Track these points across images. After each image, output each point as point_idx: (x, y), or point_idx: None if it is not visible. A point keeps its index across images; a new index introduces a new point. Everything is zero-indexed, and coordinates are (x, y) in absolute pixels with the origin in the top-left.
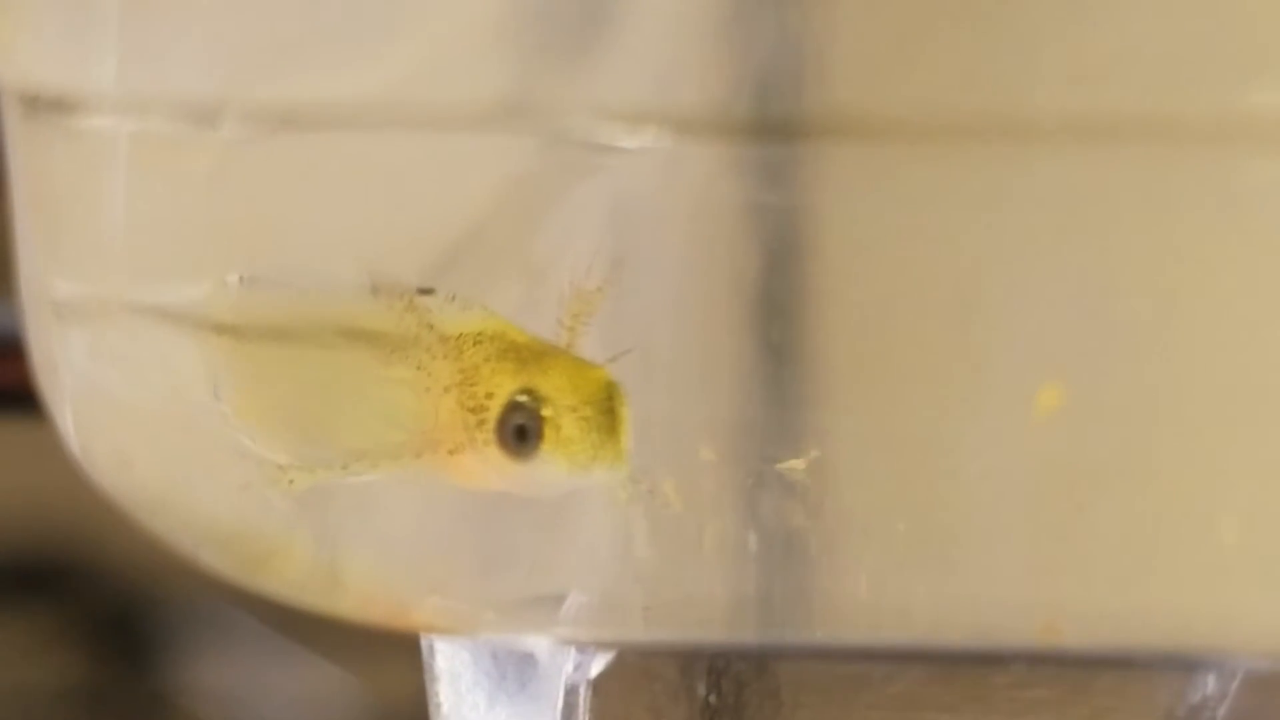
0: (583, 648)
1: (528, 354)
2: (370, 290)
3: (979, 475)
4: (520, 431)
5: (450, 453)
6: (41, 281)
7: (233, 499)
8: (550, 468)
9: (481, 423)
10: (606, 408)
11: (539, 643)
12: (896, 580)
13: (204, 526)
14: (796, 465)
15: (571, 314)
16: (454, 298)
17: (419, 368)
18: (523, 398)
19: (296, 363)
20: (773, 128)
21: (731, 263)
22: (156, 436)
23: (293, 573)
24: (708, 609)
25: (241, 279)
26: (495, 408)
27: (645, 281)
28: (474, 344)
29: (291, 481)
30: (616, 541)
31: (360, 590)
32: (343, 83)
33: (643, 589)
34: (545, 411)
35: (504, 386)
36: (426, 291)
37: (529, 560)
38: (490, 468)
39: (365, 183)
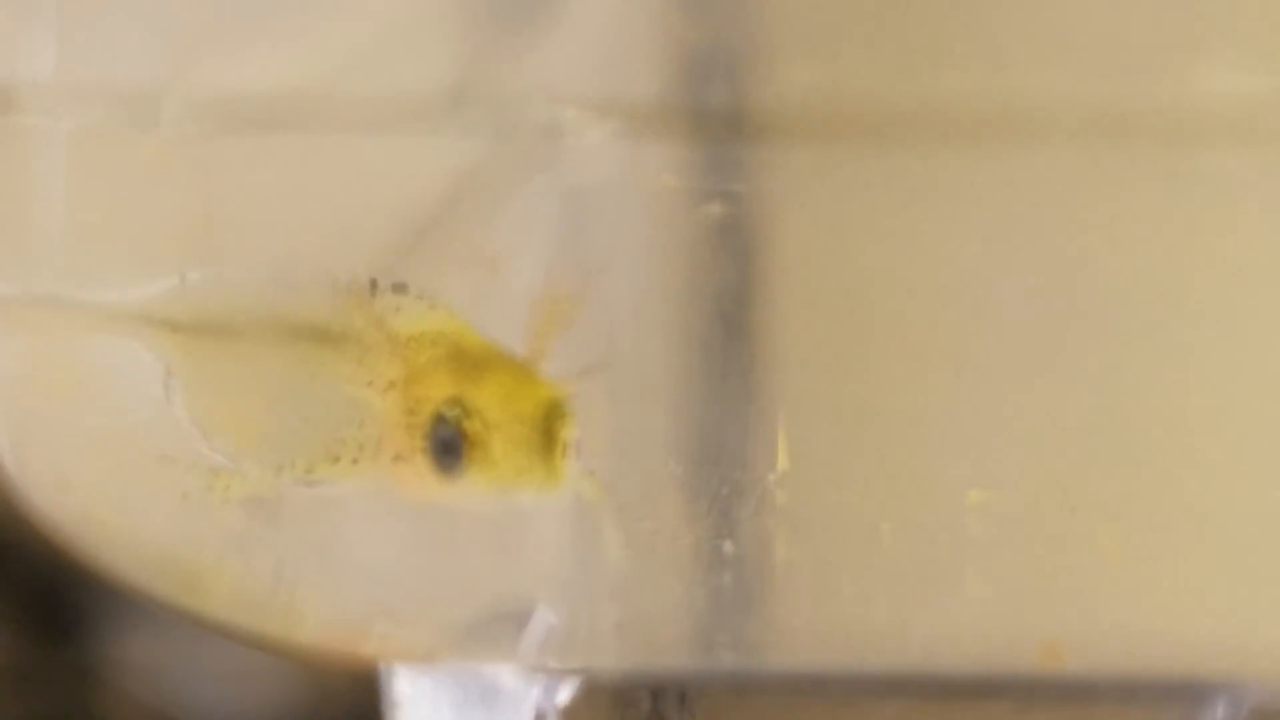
0: (550, 675)
1: (471, 361)
2: (324, 285)
3: (962, 487)
4: (445, 446)
5: (394, 460)
6: None
7: (174, 518)
8: (475, 487)
9: (411, 428)
10: (543, 427)
11: (504, 669)
12: (882, 601)
13: (145, 549)
14: (769, 478)
15: (539, 324)
16: (420, 296)
17: (361, 362)
18: (449, 410)
19: (247, 360)
20: (721, 117)
21: (691, 264)
22: (97, 452)
23: (238, 597)
24: (678, 631)
25: (194, 276)
26: (425, 414)
27: (604, 286)
28: (427, 345)
29: (228, 488)
30: (583, 558)
31: (311, 616)
32: (286, 72)
33: (609, 609)
34: (471, 426)
35: (437, 393)
36: (400, 289)
37: (489, 579)
38: (421, 479)
39: (314, 176)
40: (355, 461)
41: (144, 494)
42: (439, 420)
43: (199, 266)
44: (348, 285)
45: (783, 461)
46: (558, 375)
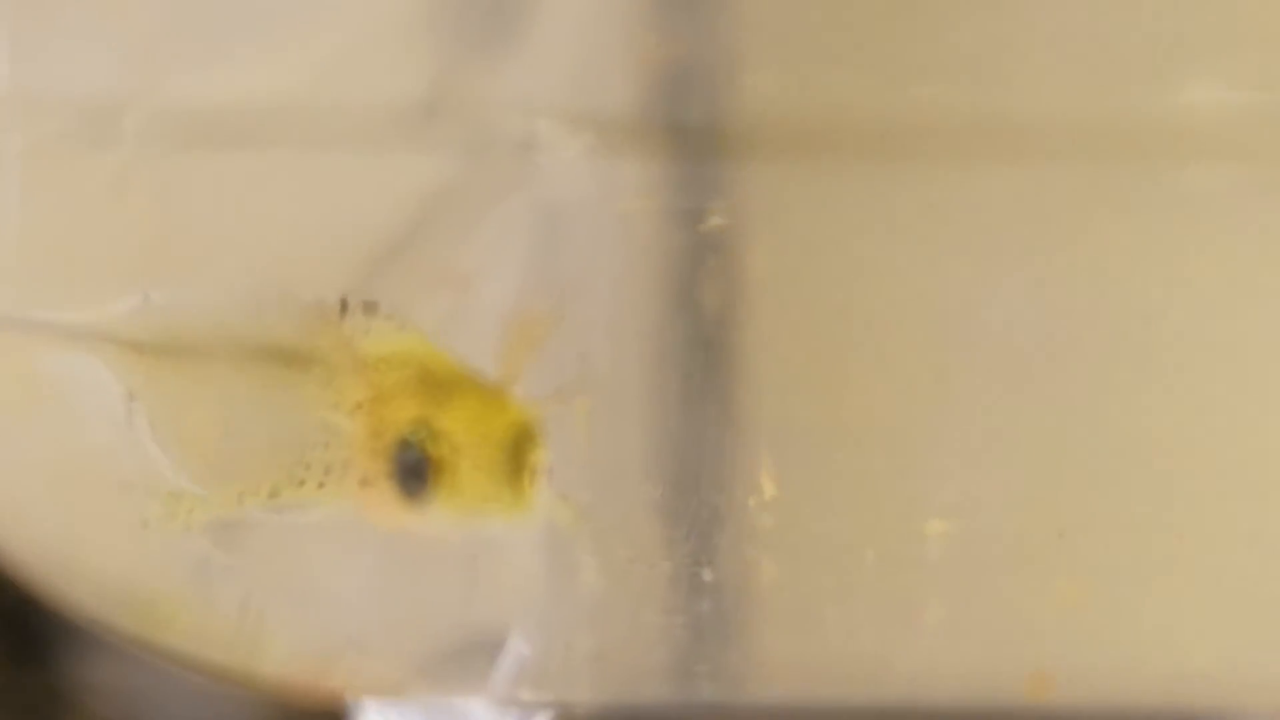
0: (523, 708)
1: (439, 383)
2: (292, 306)
3: (948, 514)
4: (410, 470)
5: (361, 484)
6: None
7: (133, 546)
8: (440, 514)
9: (377, 451)
10: (512, 451)
11: (475, 703)
12: (866, 630)
13: (102, 579)
14: (749, 504)
15: (511, 345)
16: (390, 317)
17: (327, 384)
18: (414, 433)
19: (211, 382)
20: (696, 133)
21: (668, 284)
22: (54, 477)
23: (200, 629)
24: (656, 661)
25: (157, 295)
26: (391, 437)
27: (579, 307)
28: (396, 366)
29: (190, 513)
30: (558, 587)
31: (276, 648)
32: (253, 85)
33: (585, 639)
34: (437, 450)
35: (403, 415)
36: (370, 309)
37: (460, 609)
38: (388, 505)
39: (282, 192)
40: (321, 485)
41: (102, 521)
42: (404, 444)
43: (163, 286)
44: (317, 306)
45: (764, 486)
46: (530, 398)
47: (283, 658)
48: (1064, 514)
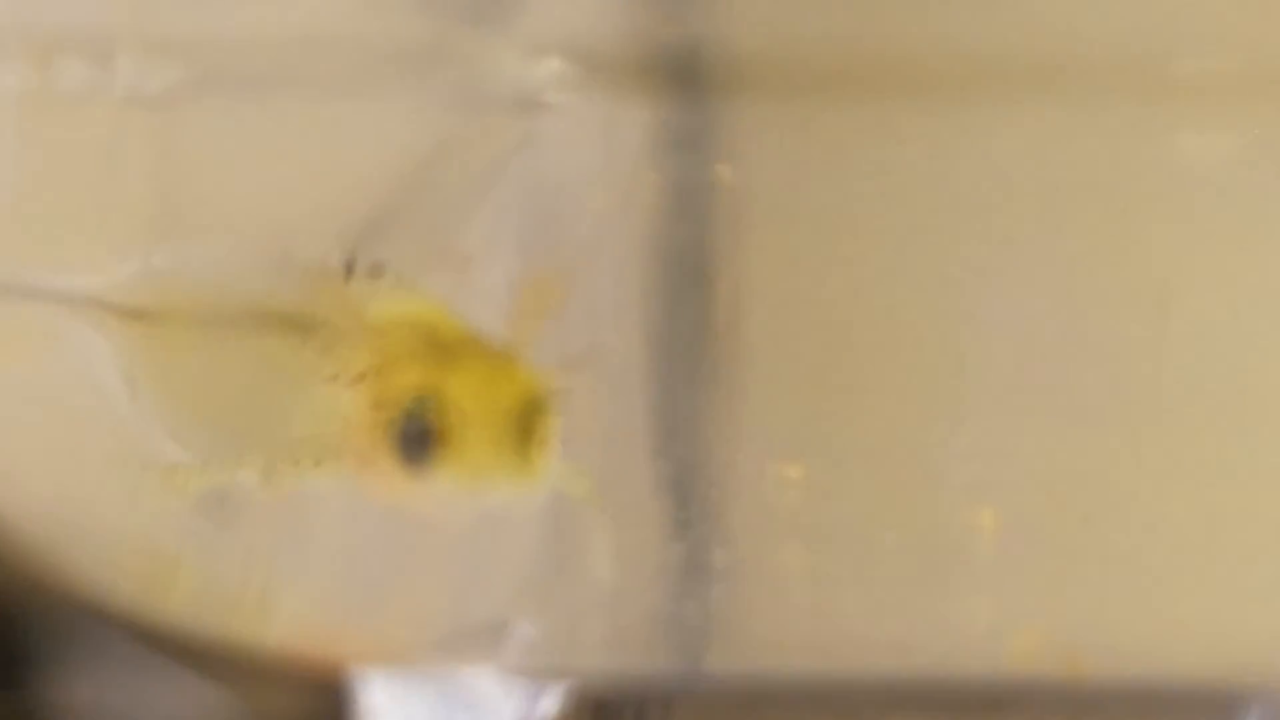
0: (533, 680)
1: (446, 349)
2: (297, 268)
3: (969, 489)
4: (413, 438)
5: (360, 456)
6: None
7: (134, 510)
8: (444, 485)
9: (378, 423)
10: (520, 419)
11: (484, 674)
12: (885, 609)
13: (103, 544)
14: (763, 481)
15: (521, 310)
16: (397, 279)
17: (330, 352)
18: (418, 400)
19: (210, 351)
20: (685, 75)
21: (673, 247)
22: (49, 443)
23: (201, 597)
24: (667, 637)
25: (158, 259)
26: (394, 406)
27: (588, 272)
28: (402, 332)
29: (186, 483)
30: (568, 561)
31: (279, 617)
32: (249, 20)
33: (595, 612)
34: (442, 417)
35: (407, 383)
36: (376, 271)
37: (469, 580)
38: (388, 476)
39: (286, 144)
40: (318, 464)
41: (98, 490)
42: (408, 411)
43: (162, 248)
44: (320, 268)
45: (779, 464)
46: (542, 366)
47: (285, 626)
48: (1091, 491)
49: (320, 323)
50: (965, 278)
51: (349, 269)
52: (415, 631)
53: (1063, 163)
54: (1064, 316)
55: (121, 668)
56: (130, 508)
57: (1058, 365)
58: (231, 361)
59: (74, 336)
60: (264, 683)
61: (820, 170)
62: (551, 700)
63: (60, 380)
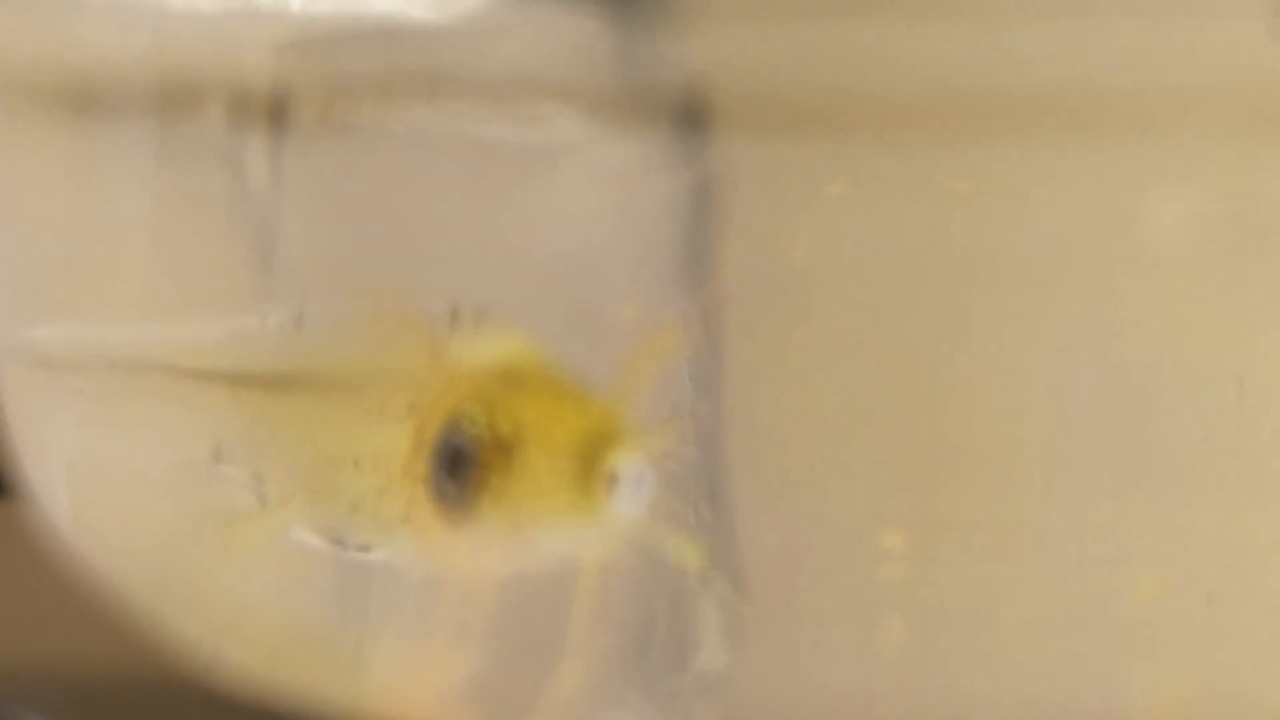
0: None
1: (515, 379)
2: (400, 322)
3: (1116, 557)
4: (453, 457)
5: (405, 510)
6: (13, 330)
7: (238, 574)
8: (488, 519)
9: (419, 452)
10: (584, 449)
11: None
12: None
13: (226, 612)
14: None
15: (635, 361)
16: (497, 325)
17: (415, 403)
18: (467, 418)
19: (301, 414)
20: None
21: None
22: (152, 513)
23: (323, 664)
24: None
25: (272, 319)
26: (435, 429)
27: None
28: (484, 371)
29: (280, 537)
30: (674, 640)
31: (383, 688)
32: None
33: (703, 699)
34: (493, 434)
35: (455, 401)
36: (480, 317)
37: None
38: (429, 524)
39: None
40: (373, 514)
41: (192, 545)
42: (452, 428)
43: (270, 306)
44: (427, 319)
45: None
46: (646, 421)
47: (384, 699)
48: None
49: (407, 375)
50: (1036, 342)
51: (453, 317)
52: (512, 707)
53: (1044, 185)
54: (1062, 320)
55: None
56: (231, 571)
57: (1055, 372)
58: (314, 419)
59: (173, 399)
60: None
61: (864, 232)
62: None
63: (178, 447)
